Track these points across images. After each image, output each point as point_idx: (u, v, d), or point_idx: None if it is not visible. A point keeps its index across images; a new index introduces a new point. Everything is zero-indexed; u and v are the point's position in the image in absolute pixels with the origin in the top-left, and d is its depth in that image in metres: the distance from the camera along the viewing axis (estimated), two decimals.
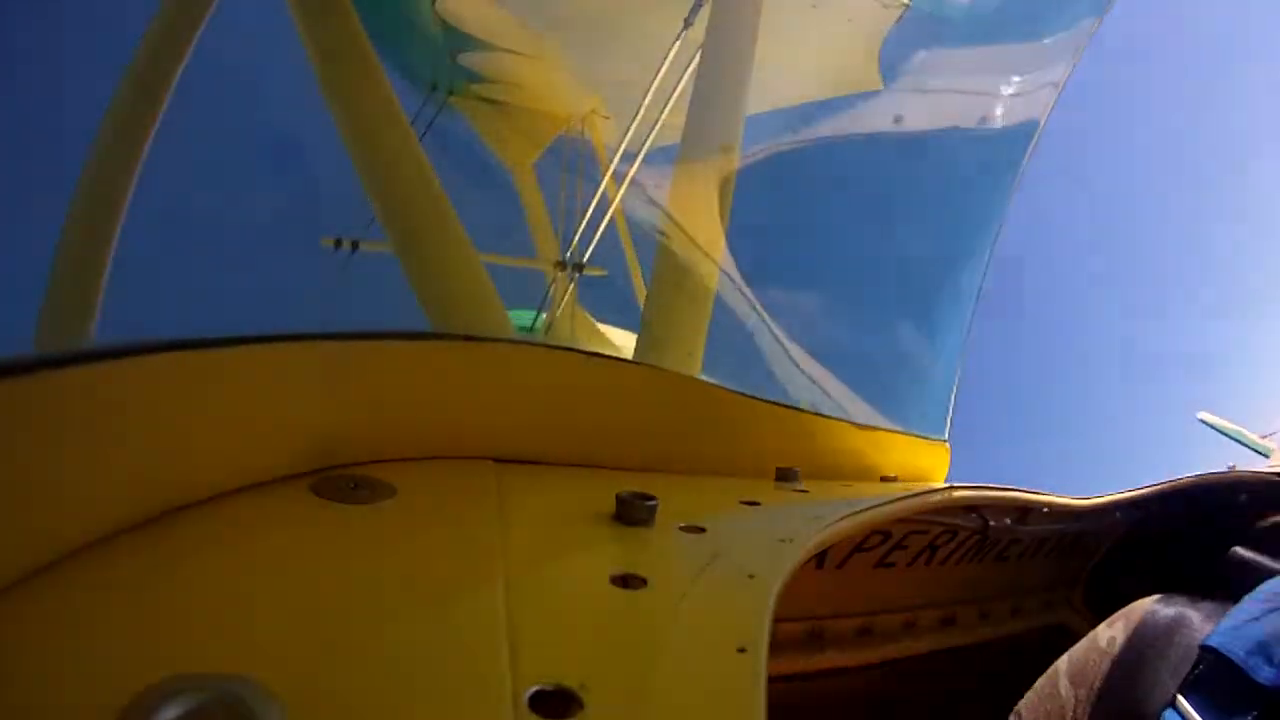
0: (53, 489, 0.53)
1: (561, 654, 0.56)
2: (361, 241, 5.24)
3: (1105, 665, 1.04)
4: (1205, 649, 0.93)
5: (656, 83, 4.19)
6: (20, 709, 0.42)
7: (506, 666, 0.53)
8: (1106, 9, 4.51)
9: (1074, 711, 1.03)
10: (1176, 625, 1.02)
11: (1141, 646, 1.02)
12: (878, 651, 1.44)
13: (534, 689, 0.51)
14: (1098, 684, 1.03)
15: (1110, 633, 1.07)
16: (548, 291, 5.72)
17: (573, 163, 7.16)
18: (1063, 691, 1.06)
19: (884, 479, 1.59)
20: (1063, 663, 1.11)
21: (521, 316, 4.73)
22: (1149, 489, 1.78)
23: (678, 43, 3.80)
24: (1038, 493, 1.56)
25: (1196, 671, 0.92)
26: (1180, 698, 0.90)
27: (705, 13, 3.11)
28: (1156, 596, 1.09)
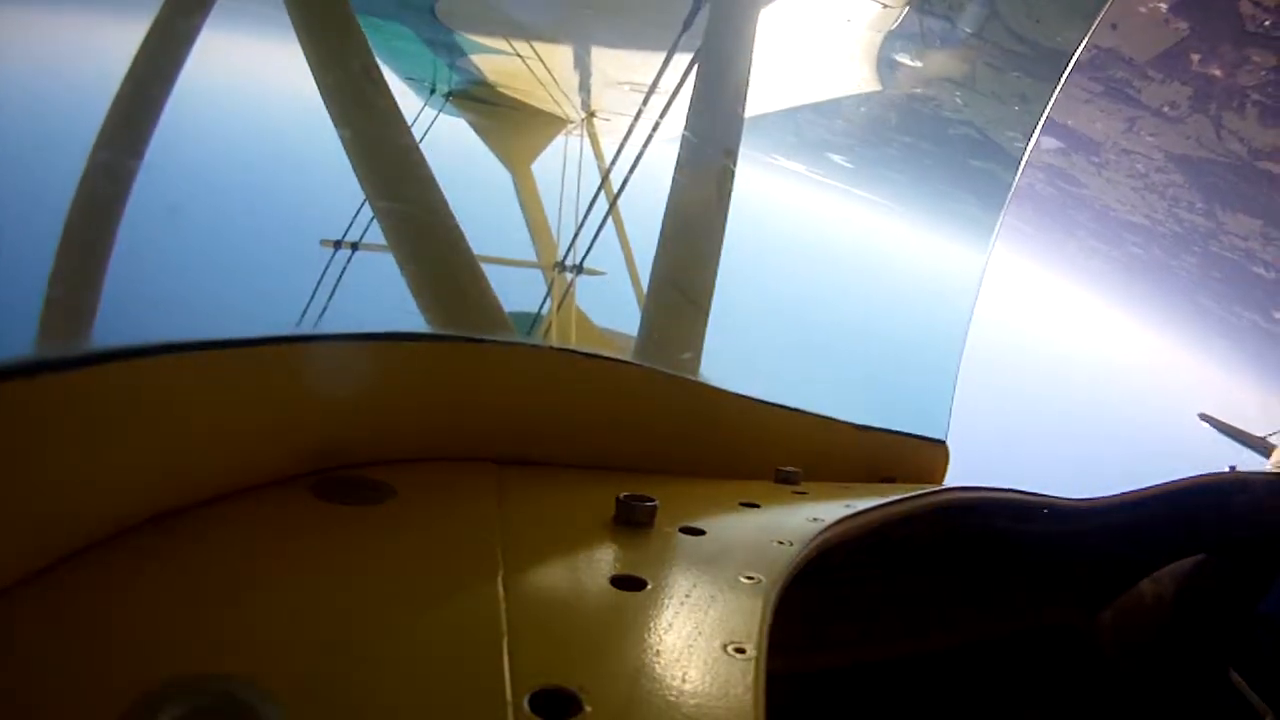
0: (53, 489, 0.53)
1: (561, 655, 0.56)
2: (361, 243, 5.25)
3: (1153, 627, 1.02)
4: (1261, 616, 0.92)
5: (655, 85, 4.19)
6: (23, 710, 0.42)
7: (506, 667, 0.53)
8: None
9: (1121, 681, 1.02)
10: (1227, 586, 1.00)
11: (1192, 608, 1.00)
12: (878, 651, 1.44)
13: (534, 690, 0.51)
14: (1144, 644, 1.01)
15: (1158, 591, 1.06)
16: (547, 292, 5.72)
17: (571, 164, 7.16)
18: (1106, 649, 1.05)
19: (883, 479, 1.59)
20: (1106, 615, 1.09)
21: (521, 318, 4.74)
22: (1149, 490, 1.78)
23: (677, 44, 3.80)
24: (1037, 494, 1.56)
25: (1253, 638, 0.91)
26: (1232, 670, 0.89)
27: (704, 14, 3.12)
28: (1200, 556, 1.08)
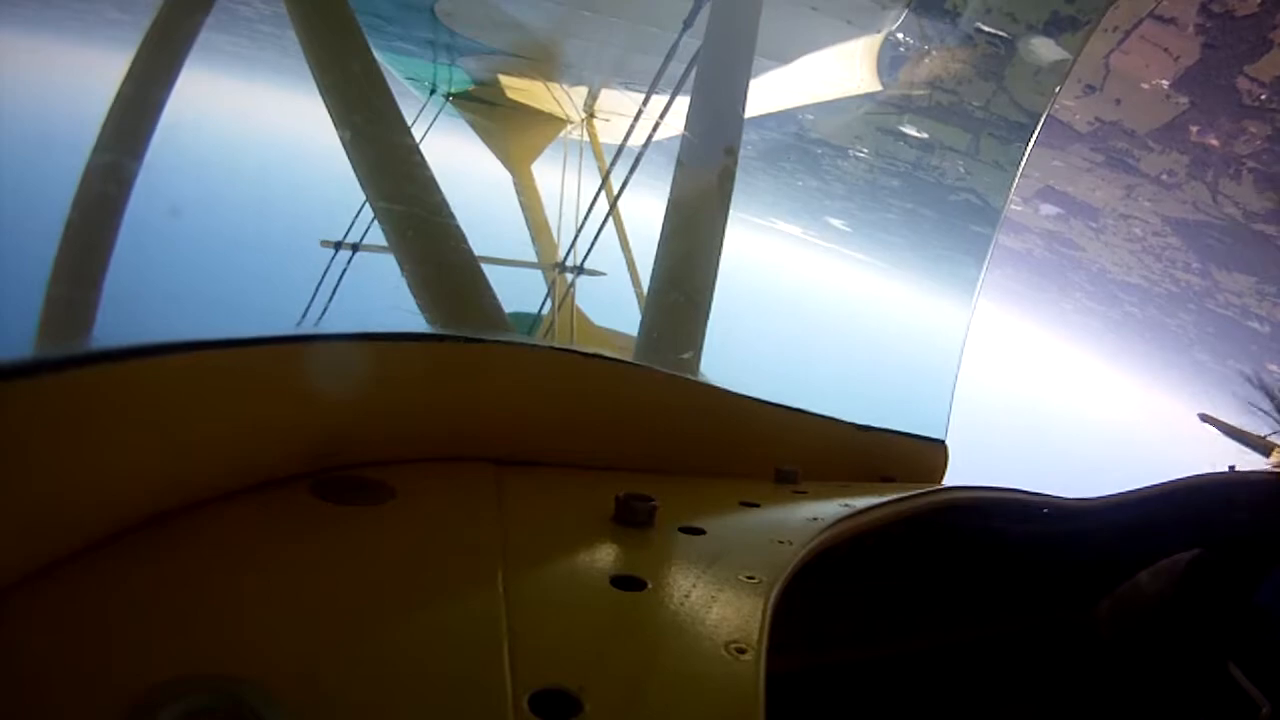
0: (53, 489, 0.53)
1: (561, 656, 0.56)
2: (361, 244, 5.26)
3: (1151, 617, 1.02)
4: (1256, 607, 0.92)
5: (656, 85, 4.19)
6: (23, 711, 0.42)
7: (506, 668, 0.53)
8: None
9: (1120, 673, 1.02)
10: (1226, 579, 1.00)
11: (1190, 600, 1.00)
12: (878, 651, 1.44)
13: (534, 690, 0.51)
14: (1142, 633, 1.02)
15: (1156, 585, 1.06)
16: (548, 293, 5.73)
17: (572, 165, 7.17)
18: (1103, 636, 1.05)
19: (883, 479, 1.59)
20: (1104, 605, 1.09)
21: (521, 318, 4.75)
22: (1149, 489, 1.78)
23: (677, 44, 3.80)
24: (1037, 493, 1.56)
25: (1248, 629, 0.91)
26: (1231, 663, 0.90)
27: (705, 14, 3.12)
28: (1199, 550, 1.08)
